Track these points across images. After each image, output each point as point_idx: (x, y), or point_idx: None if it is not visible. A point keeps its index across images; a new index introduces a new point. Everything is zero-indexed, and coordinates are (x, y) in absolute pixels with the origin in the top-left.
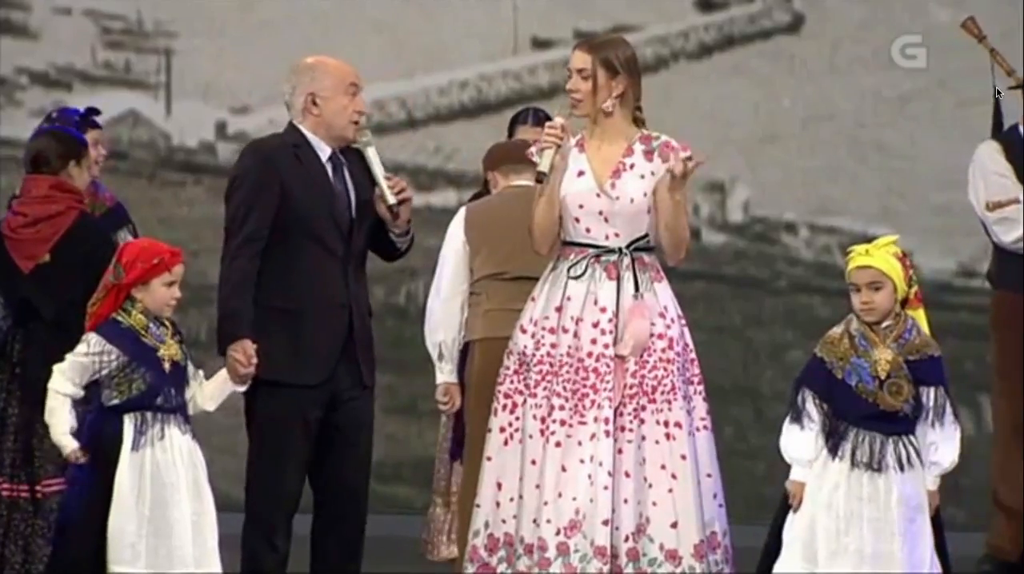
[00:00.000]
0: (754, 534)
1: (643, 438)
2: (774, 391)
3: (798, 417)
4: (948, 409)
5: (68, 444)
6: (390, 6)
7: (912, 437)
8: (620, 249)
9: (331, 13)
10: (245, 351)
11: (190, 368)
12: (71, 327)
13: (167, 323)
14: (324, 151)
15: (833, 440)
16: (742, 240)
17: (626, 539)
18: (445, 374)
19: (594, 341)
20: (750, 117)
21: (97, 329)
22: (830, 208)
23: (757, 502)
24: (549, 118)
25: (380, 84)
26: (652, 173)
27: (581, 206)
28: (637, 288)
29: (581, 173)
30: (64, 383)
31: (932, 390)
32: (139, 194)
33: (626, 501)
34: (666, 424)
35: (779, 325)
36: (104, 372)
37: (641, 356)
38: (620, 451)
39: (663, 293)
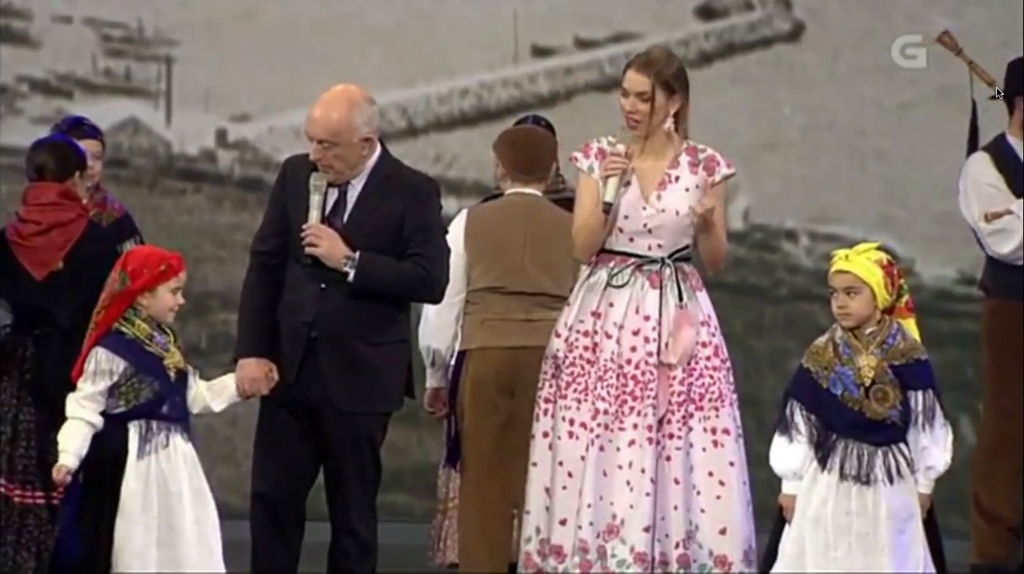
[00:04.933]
0: (756, 542)
1: (691, 445)
2: (775, 399)
3: (786, 429)
4: (938, 412)
5: (66, 461)
6: (391, 14)
7: (902, 446)
8: (663, 259)
9: (331, 21)
10: (246, 373)
11: (190, 374)
12: (84, 333)
13: (169, 331)
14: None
15: (822, 452)
16: (742, 248)
17: (676, 546)
18: (436, 379)
19: (634, 349)
20: (750, 125)
21: (102, 343)
22: (830, 216)
23: (759, 510)
24: (550, 126)
25: (380, 92)
26: (697, 186)
27: (626, 217)
28: (681, 298)
29: (628, 183)
30: (79, 410)
31: (920, 394)
32: (139, 202)
33: (676, 508)
34: (714, 431)
35: (780, 333)
36: (112, 383)
37: (688, 364)
38: (668, 458)
39: (705, 302)
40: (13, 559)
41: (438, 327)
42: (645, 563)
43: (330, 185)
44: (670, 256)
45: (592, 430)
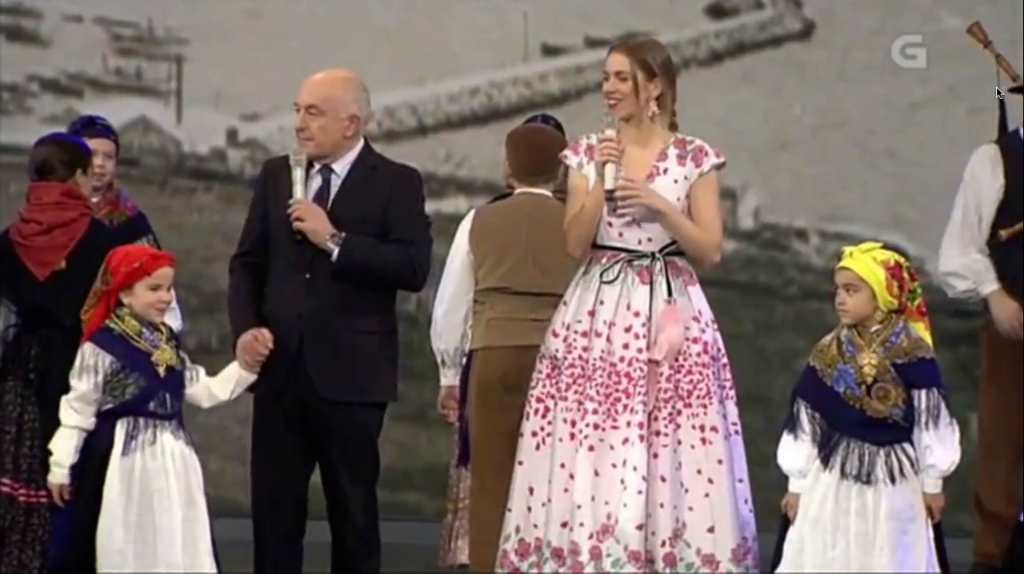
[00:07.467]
0: (764, 541)
1: (679, 443)
2: (785, 398)
3: (792, 427)
4: (943, 410)
5: (58, 475)
6: (400, 13)
7: (906, 446)
8: (652, 254)
9: (341, 20)
10: (241, 347)
11: (189, 370)
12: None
13: (161, 328)
14: (315, 167)
15: (824, 451)
16: (753, 247)
17: (663, 544)
18: (449, 378)
19: (627, 345)
20: (761, 124)
21: (91, 338)
22: (840, 215)
23: (768, 509)
24: (560, 125)
25: (390, 91)
26: (685, 178)
27: (615, 210)
28: (670, 293)
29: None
30: (71, 415)
31: (923, 392)
32: (150, 201)
33: (662, 506)
34: (702, 428)
35: (790, 332)
36: (99, 379)
37: (676, 360)
38: (656, 455)
39: (697, 297)
40: (19, 558)
41: (446, 328)
42: (639, 562)
43: (310, 165)
44: (661, 250)
45: (581, 431)
